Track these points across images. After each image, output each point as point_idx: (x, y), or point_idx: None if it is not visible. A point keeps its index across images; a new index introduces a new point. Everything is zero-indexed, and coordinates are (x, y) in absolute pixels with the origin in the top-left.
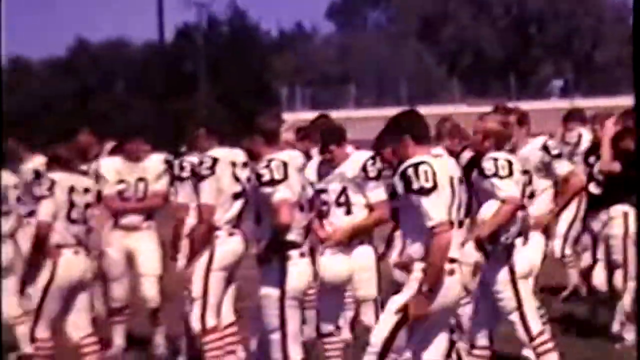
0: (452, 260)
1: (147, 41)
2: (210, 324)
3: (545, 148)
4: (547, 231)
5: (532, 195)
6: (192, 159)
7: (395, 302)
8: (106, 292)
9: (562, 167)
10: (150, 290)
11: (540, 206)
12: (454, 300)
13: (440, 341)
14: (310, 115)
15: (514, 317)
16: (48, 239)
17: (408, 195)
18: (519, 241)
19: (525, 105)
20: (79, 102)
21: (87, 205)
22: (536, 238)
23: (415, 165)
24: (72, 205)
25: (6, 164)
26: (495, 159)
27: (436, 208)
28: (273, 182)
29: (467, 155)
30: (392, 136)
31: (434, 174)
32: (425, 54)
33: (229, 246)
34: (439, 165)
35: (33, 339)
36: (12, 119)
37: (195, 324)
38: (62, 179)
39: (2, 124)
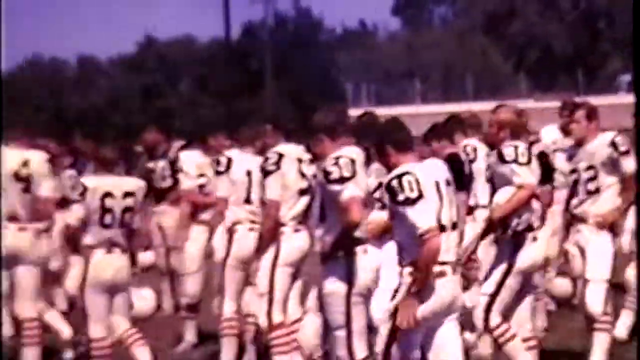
0: (443, 263)
1: (213, 38)
2: (276, 320)
3: (613, 144)
4: (615, 228)
5: (597, 191)
6: (230, 153)
7: (387, 310)
8: (174, 287)
9: (629, 164)
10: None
11: (605, 203)
12: (452, 301)
13: (452, 342)
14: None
15: (482, 300)
16: (78, 241)
17: (395, 206)
18: (530, 235)
19: (592, 101)
20: (146, 100)
21: (127, 209)
22: (545, 235)
23: (399, 177)
24: (105, 210)
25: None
26: (516, 146)
27: (423, 216)
28: (342, 180)
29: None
30: (376, 146)
31: (418, 182)
32: (492, 49)
33: (294, 242)
34: (423, 172)
35: (90, 340)
36: (80, 116)
37: (262, 320)
38: (97, 185)
39: (2, 123)
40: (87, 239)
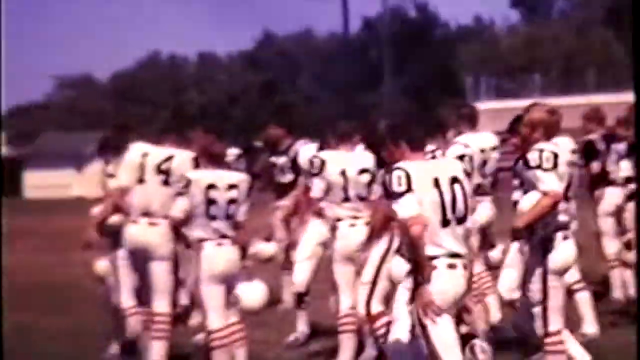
0: (454, 255)
1: (331, 33)
2: (375, 310)
3: None
4: None
5: None
6: (323, 155)
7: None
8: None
9: None
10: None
11: None
12: (458, 294)
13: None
14: (495, 104)
15: (536, 309)
16: (184, 233)
17: (389, 200)
18: (559, 235)
19: None
20: (265, 95)
21: (232, 201)
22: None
23: (391, 172)
24: (210, 202)
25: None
26: (541, 151)
27: (406, 206)
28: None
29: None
30: (390, 142)
31: (408, 177)
32: (614, 42)
33: None
34: (417, 168)
35: (209, 332)
36: (201, 112)
37: (361, 309)
38: (201, 177)
39: (1, 121)
40: (196, 232)
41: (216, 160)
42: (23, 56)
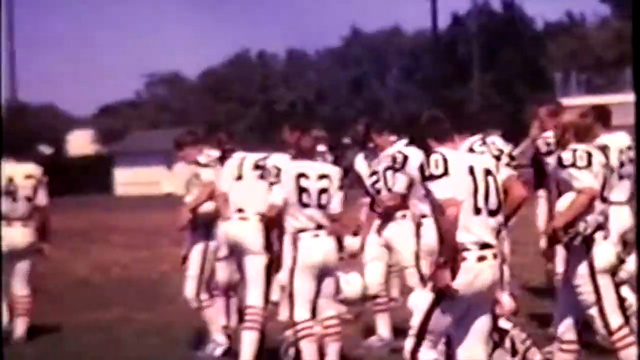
0: (485, 246)
1: (420, 29)
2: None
3: None
4: None
5: None
6: (406, 150)
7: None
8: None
9: None
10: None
11: None
12: (488, 286)
13: (479, 328)
14: (585, 100)
15: (593, 311)
16: (280, 222)
17: (424, 183)
18: (599, 235)
19: None
20: (354, 92)
21: (323, 191)
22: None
23: (429, 156)
24: (301, 190)
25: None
26: (575, 150)
27: (443, 189)
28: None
29: None
30: (418, 140)
31: (445, 161)
32: None
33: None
34: (454, 155)
35: (294, 323)
36: (289, 110)
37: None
38: (291, 166)
39: (1, 118)
40: (292, 222)
41: (306, 154)
42: (113, 56)
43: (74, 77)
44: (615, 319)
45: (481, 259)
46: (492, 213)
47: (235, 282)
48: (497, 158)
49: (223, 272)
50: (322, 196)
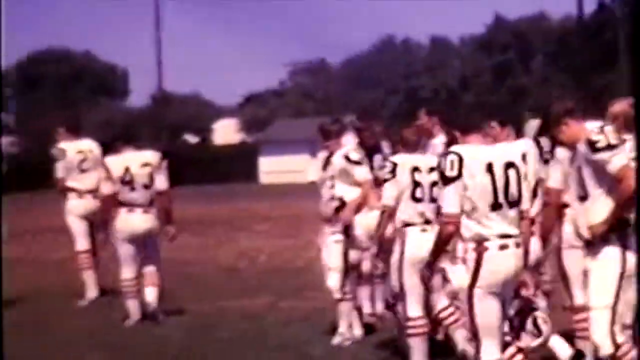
0: (506, 236)
1: (566, 14)
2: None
3: None
4: None
5: None
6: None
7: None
8: None
9: None
10: None
11: None
12: (512, 273)
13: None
14: None
15: None
16: (391, 219)
17: (441, 181)
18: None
19: None
20: (497, 78)
21: (434, 184)
22: None
23: (445, 156)
24: (416, 184)
25: None
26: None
27: (449, 199)
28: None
29: None
30: (447, 131)
31: (460, 162)
32: None
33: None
34: (472, 153)
35: (407, 319)
36: (432, 97)
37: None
38: (406, 160)
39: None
40: (402, 216)
41: (409, 147)
42: (256, 47)
43: (220, 67)
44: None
45: (503, 247)
46: (513, 204)
47: (383, 270)
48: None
49: (367, 262)
50: (434, 189)
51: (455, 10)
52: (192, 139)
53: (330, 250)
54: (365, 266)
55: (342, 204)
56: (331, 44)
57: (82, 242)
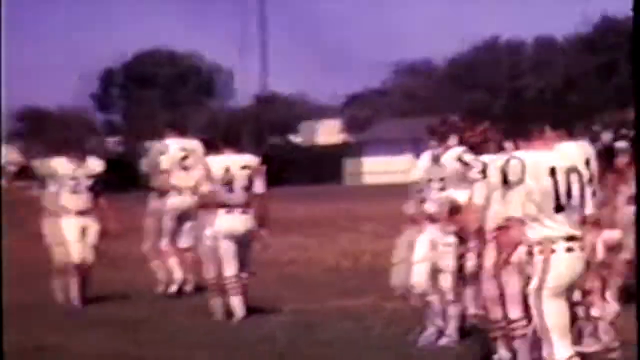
0: (571, 238)
1: None
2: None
3: None
4: None
5: None
6: None
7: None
8: None
9: None
10: None
11: None
12: (575, 276)
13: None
14: None
15: None
16: (481, 221)
17: (503, 185)
18: None
19: None
20: (604, 78)
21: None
22: None
23: (507, 160)
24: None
25: None
26: None
27: (512, 203)
28: None
29: None
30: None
31: (523, 167)
32: None
33: None
34: (534, 159)
35: (510, 321)
36: (538, 97)
37: None
38: (494, 159)
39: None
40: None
41: (478, 149)
42: (360, 45)
43: (324, 67)
44: None
45: (569, 250)
46: (575, 208)
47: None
48: None
49: (472, 262)
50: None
51: (560, 9)
52: (296, 138)
53: (417, 247)
54: (471, 266)
55: (455, 206)
56: (435, 44)
57: (165, 241)
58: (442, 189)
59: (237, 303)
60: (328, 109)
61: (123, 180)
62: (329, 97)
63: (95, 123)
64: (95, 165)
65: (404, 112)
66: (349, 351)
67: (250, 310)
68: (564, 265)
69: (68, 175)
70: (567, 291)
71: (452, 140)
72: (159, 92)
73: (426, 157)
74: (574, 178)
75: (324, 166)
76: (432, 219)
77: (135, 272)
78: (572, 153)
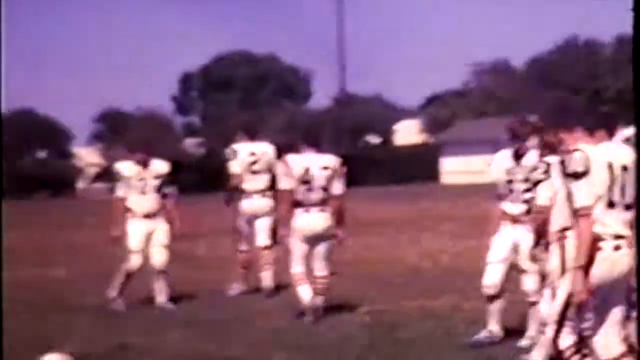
0: (619, 237)
1: None
2: None
3: None
4: None
5: None
6: None
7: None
8: None
9: None
10: None
11: None
12: (624, 274)
13: (614, 317)
14: None
15: None
16: (548, 222)
17: (564, 178)
18: None
19: None
20: None
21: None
22: None
23: (571, 152)
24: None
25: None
26: None
27: (582, 192)
28: None
29: None
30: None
31: (587, 159)
32: None
33: None
34: (595, 151)
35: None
36: (617, 98)
37: None
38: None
39: (1, 121)
40: (561, 222)
41: (549, 149)
42: (439, 48)
43: (403, 68)
44: None
45: (617, 248)
46: (627, 207)
47: None
48: None
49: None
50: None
51: None
52: (373, 140)
53: (496, 247)
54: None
55: (538, 207)
56: (515, 44)
57: (243, 244)
58: (527, 190)
59: (315, 301)
60: (407, 109)
61: (206, 182)
62: (407, 98)
63: (174, 125)
64: (161, 166)
65: (484, 113)
66: (430, 351)
67: (331, 309)
68: (609, 263)
69: (135, 178)
70: (614, 290)
71: (532, 140)
72: (238, 95)
73: (505, 157)
74: (627, 176)
75: (403, 167)
76: (514, 219)
77: (221, 273)
78: (624, 153)
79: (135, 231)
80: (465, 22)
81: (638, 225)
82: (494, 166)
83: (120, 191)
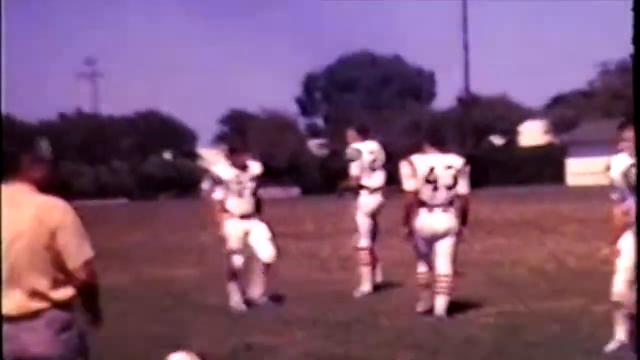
0: None
1: None
2: None
3: None
4: None
5: None
6: None
7: None
8: None
9: None
10: None
11: None
12: None
13: None
14: None
15: None
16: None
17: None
18: None
19: None
20: None
21: None
22: None
23: (630, 167)
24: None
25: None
26: None
27: None
28: None
29: None
30: None
31: None
32: None
33: None
34: None
35: None
36: None
37: None
38: (620, 161)
39: (1, 122)
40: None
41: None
42: (563, 47)
43: (527, 69)
44: None
45: None
46: None
47: None
48: None
49: None
50: None
51: None
52: (498, 140)
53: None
54: None
55: None
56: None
57: (364, 240)
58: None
59: (425, 298)
60: (532, 110)
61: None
62: (532, 99)
63: (297, 126)
64: (256, 168)
65: (610, 113)
66: (557, 354)
67: (455, 310)
68: None
69: (233, 181)
70: None
71: None
72: (361, 95)
73: (624, 159)
74: None
75: (527, 168)
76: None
77: (345, 273)
78: None
79: (234, 232)
80: (589, 21)
81: (638, 222)
82: (613, 167)
83: (218, 194)
